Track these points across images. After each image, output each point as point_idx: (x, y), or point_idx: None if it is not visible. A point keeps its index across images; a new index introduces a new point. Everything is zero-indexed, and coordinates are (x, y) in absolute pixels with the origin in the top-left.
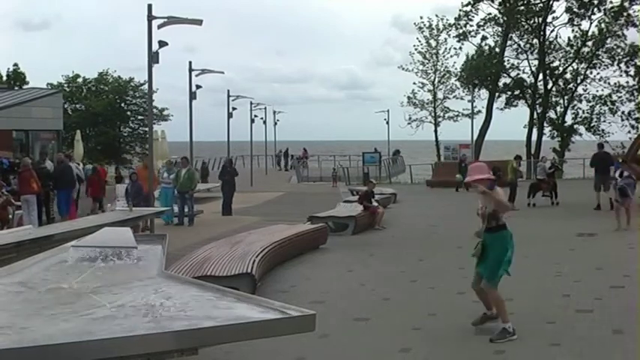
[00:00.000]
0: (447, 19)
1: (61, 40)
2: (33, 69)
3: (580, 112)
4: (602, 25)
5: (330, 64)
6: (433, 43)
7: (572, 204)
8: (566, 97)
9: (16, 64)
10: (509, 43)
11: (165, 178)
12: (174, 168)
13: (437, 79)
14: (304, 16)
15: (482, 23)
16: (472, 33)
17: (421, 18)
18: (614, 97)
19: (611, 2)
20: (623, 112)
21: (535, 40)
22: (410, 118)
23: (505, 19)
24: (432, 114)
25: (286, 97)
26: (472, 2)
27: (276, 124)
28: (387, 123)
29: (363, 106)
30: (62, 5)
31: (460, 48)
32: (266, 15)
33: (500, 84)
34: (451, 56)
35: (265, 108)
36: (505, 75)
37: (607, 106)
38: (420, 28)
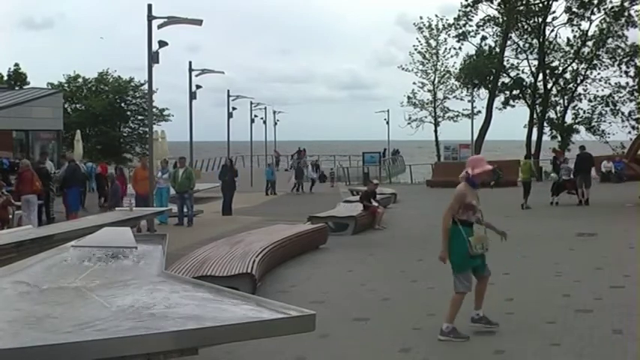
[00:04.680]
0: (447, 19)
1: (64, 39)
2: (35, 68)
3: (580, 112)
4: (604, 25)
5: (332, 64)
6: (433, 43)
7: (572, 204)
8: (566, 97)
9: (17, 64)
10: (508, 43)
11: (159, 177)
12: (168, 167)
13: (437, 79)
14: (308, 15)
15: (481, 23)
16: (472, 33)
17: (421, 18)
18: (615, 97)
19: (611, 2)
20: (622, 113)
21: (535, 40)
22: (410, 118)
23: (505, 19)
24: (432, 114)
25: (289, 96)
26: (472, 2)
27: (276, 124)
28: (387, 123)
29: (365, 106)
30: (65, 4)
31: (460, 48)
32: (270, 14)
33: (500, 84)
34: (451, 56)
35: (265, 108)
36: (505, 75)
37: (609, 107)
38: (420, 28)
